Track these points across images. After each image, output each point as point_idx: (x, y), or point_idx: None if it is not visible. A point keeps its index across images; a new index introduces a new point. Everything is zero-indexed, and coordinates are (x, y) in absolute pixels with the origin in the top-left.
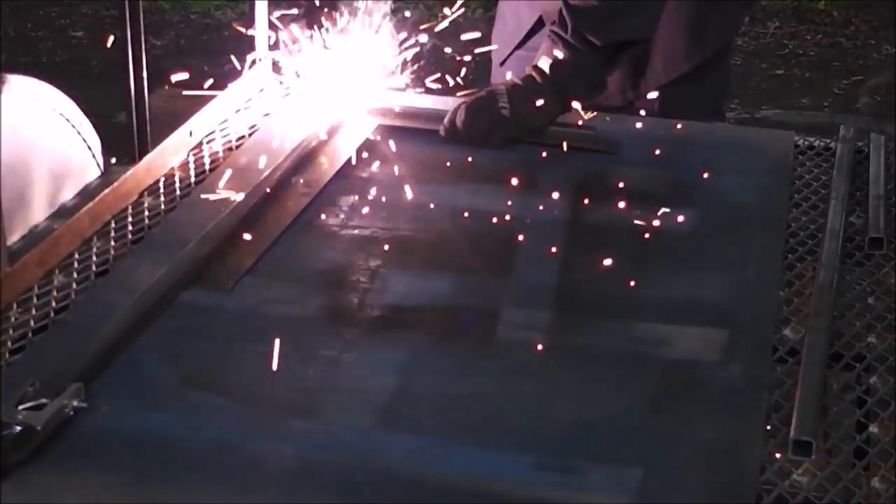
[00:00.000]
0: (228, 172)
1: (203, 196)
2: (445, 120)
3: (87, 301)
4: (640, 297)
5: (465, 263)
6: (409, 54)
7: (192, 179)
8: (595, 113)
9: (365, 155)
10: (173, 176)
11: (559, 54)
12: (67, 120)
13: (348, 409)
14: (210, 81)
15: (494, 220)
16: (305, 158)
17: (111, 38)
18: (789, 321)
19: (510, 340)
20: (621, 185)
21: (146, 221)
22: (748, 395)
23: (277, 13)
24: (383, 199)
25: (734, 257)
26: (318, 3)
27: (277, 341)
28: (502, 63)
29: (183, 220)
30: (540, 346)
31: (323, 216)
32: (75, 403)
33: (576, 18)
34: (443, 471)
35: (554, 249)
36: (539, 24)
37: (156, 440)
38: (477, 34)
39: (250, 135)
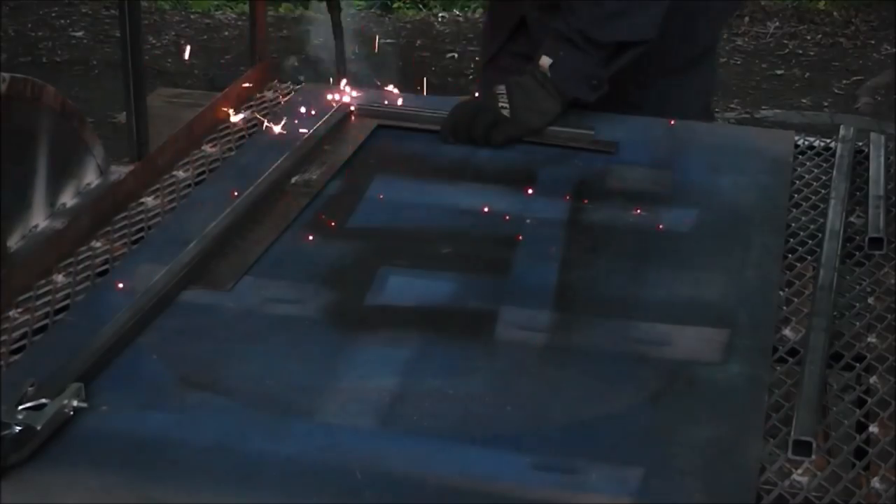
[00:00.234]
0: (228, 172)
1: (203, 196)
2: (445, 120)
3: (87, 301)
4: (640, 297)
5: (465, 263)
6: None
7: (193, 179)
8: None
9: (365, 155)
10: (173, 176)
11: (560, 53)
12: (68, 120)
13: (348, 409)
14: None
15: (494, 220)
16: (305, 158)
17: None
18: (789, 321)
19: (510, 340)
20: (621, 185)
21: (146, 221)
22: (748, 395)
23: None
24: (383, 198)
25: (734, 257)
26: None
27: (277, 341)
28: (487, 64)
29: (183, 220)
30: (540, 346)
31: (323, 216)
32: (75, 403)
33: (578, 17)
34: (443, 471)
35: (554, 249)
36: (522, 27)
37: (156, 440)
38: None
39: (250, 135)
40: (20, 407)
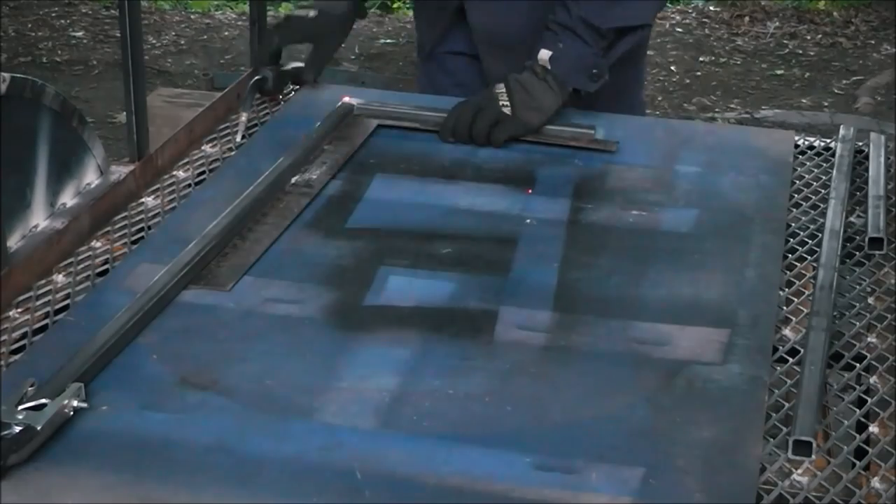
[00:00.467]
0: (228, 172)
1: (203, 196)
2: (445, 120)
3: (87, 301)
4: (640, 297)
5: (465, 263)
6: None
7: (193, 179)
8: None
9: (365, 155)
10: (173, 176)
11: (560, 45)
12: (67, 120)
13: (348, 409)
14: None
15: (494, 220)
16: (305, 158)
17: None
18: (789, 321)
19: (510, 340)
20: (621, 185)
21: (146, 221)
22: (748, 395)
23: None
24: (383, 198)
25: (734, 257)
26: None
27: (277, 341)
28: (426, 58)
29: (183, 220)
30: (540, 346)
31: (323, 216)
32: (75, 403)
33: (580, 6)
34: (443, 471)
35: (554, 249)
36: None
37: (156, 440)
38: None
39: (250, 135)
40: (20, 407)
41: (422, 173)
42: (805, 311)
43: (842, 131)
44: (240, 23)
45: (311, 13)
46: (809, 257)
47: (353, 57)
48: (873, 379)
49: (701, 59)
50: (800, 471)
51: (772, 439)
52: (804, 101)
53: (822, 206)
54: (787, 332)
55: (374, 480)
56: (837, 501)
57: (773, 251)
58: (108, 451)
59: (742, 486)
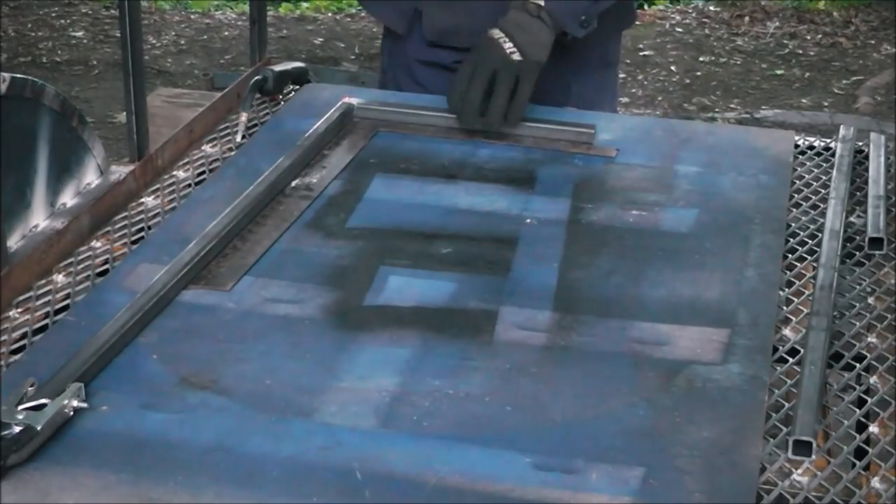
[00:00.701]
0: (228, 172)
1: (203, 196)
2: (452, 88)
3: (87, 301)
4: (640, 297)
5: (465, 263)
6: None
7: (193, 179)
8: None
9: (365, 155)
10: (173, 176)
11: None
12: (68, 120)
13: (348, 409)
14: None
15: (494, 220)
16: (306, 158)
17: None
18: (789, 321)
19: (510, 340)
20: (621, 185)
21: (146, 221)
22: (748, 395)
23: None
24: (383, 198)
25: (734, 257)
26: None
27: (277, 341)
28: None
29: (183, 220)
30: (540, 346)
31: (323, 216)
32: (75, 403)
33: None
34: (443, 471)
35: (554, 249)
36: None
37: (156, 440)
38: None
39: (250, 135)
40: (20, 407)
41: (422, 173)
42: (805, 311)
43: (842, 131)
44: (240, 23)
45: None
46: (809, 257)
47: (352, 57)
48: (873, 379)
49: (701, 59)
50: (800, 471)
51: (772, 439)
52: (804, 101)
53: (822, 206)
54: (787, 332)
55: (374, 480)
56: (837, 501)
57: (773, 251)
58: (108, 451)
59: (742, 486)
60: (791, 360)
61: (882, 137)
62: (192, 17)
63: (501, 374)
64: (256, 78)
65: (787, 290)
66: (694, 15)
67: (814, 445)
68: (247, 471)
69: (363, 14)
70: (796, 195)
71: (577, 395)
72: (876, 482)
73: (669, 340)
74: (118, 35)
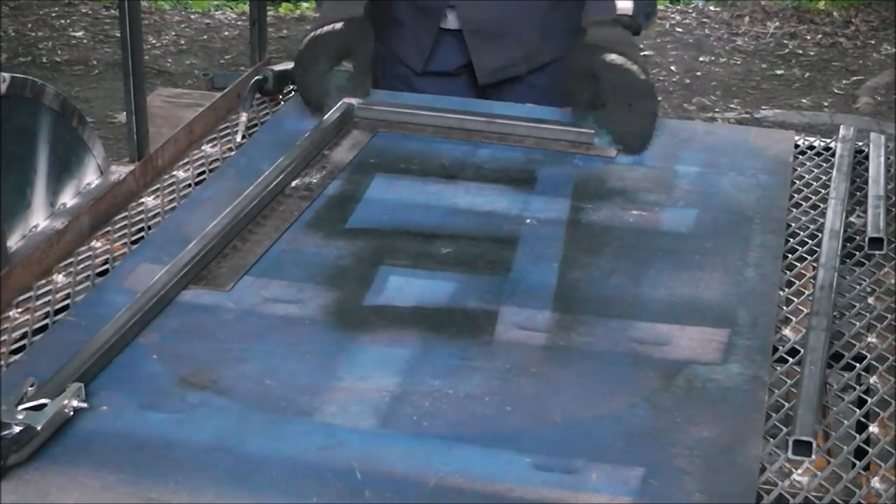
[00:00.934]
0: (228, 172)
1: (203, 196)
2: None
3: (87, 301)
4: (640, 297)
5: (465, 263)
6: None
7: (193, 179)
8: None
9: (365, 155)
10: (173, 176)
11: None
12: (68, 120)
13: (348, 409)
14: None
15: (494, 220)
16: (306, 159)
17: None
18: (789, 321)
19: (510, 340)
20: (621, 185)
21: (146, 221)
22: (748, 395)
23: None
24: (383, 198)
25: (734, 257)
26: None
27: (277, 341)
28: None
29: (183, 220)
30: (540, 346)
31: (323, 216)
32: (75, 403)
33: None
34: (443, 471)
35: (554, 249)
36: None
37: (156, 440)
38: None
39: (250, 135)
40: (20, 407)
41: (422, 173)
42: (805, 311)
43: (842, 131)
44: (240, 23)
45: (337, 25)
46: (809, 257)
47: None
48: (873, 379)
49: (701, 59)
50: (800, 471)
51: (772, 439)
52: (804, 101)
53: (822, 206)
54: (787, 332)
55: (374, 480)
56: (837, 501)
57: (773, 251)
58: (108, 451)
59: (742, 486)
60: (791, 360)
61: (882, 137)
62: (192, 17)
63: (501, 374)
64: (256, 78)
65: (787, 290)
66: (694, 15)
67: (814, 445)
68: (247, 471)
69: None
70: (796, 195)
71: (577, 395)
72: (876, 482)
73: (669, 340)
74: (118, 35)
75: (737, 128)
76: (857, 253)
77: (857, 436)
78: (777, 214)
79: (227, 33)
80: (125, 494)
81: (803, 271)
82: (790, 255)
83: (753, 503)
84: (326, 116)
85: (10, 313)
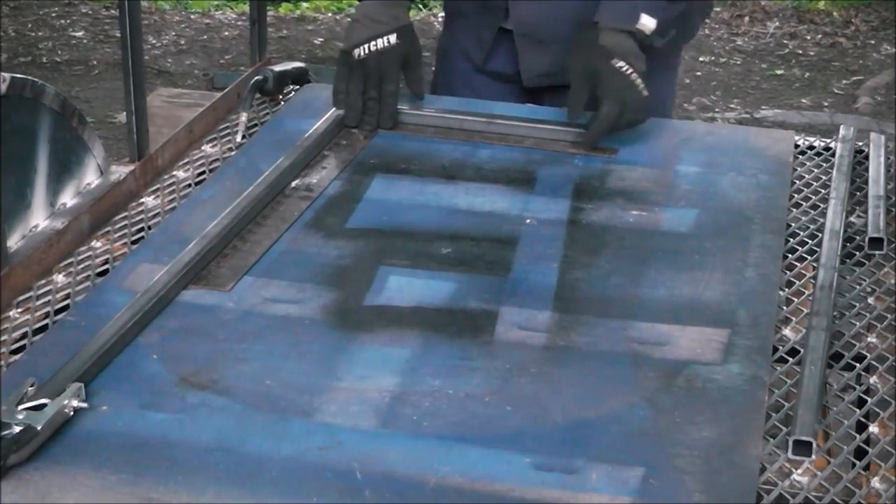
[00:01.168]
0: (228, 172)
1: (203, 196)
2: (593, 130)
3: (87, 301)
4: (640, 297)
5: (465, 263)
6: None
7: (193, 179)
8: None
9: (365, 155)
10: (173, 176)
11: (663, 5)
12: (68, 120)
13: (348, 409)
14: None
15: (494, 220)
16: (305, 158)
17: None
18: (789, 321)
19: (510, 340)
20: (621, 185)
21: (146, 221)
22: (748, 395)
23: None
24: (383, 198)
25: (734, 257)
26: None
27: (277, 341)
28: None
29: (183, 220)
30: (540, 346)
31: (323, 216)
32: (75, 403)
33: None
34: (443, 471)
35: (554, 249)
36: None
37: (156, 440)
38: None
39: (250, 135)
40: (20, 407)
41: (422, 173)
42: (805, 311)
43: (842, 131)
44: (240, 23)
45: (392, 38)
46: (809, 257)
47: None
48: (873, 379)
49: (701, 59)
50: (800, 471)
51: (772, 439)
52: (804, 101)
53: (822, 206)
54: (787, 332)
55: (374, 480)
56: (837, 501)
57: (773, 251)
58: (108, 451)
59: (742, 486)
60: (791, 360)
61: (882, 137)
62: (192, 17)
63: (501, 374)
64: (256, 78)
65: (787, 290)
66: None
67: (814, 445)
68: (247, 471)
69: None
70: (796, 195)
71: (577, 395)
72: (876, 482)
73: (669, 340)
74: (118, 35)
75: (737, 128)
76: (857, 253)
77: (857, 436)
78: (777, 214)
79: (227, 33)
80: (125, 494)
81: (803, 271)
82: (790, 255)
83: (753, 503)
84: (326, 116)
85: (10, 313)
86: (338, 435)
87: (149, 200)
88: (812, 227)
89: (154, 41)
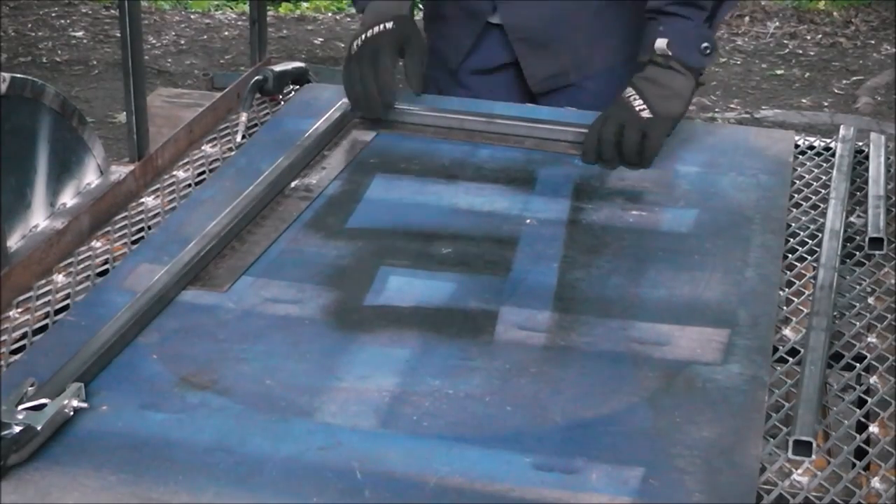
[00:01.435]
0: (228, 172)
1: (203, 196)
2: (586, 142)
3: (87, 301)
4: (640, 297)
5: (465, 263)
6: None
7: (193, 179)
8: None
9: (365, 155)
10: (173, 176)
11: (667, 28)
12: (68, 120)
13: (348, 409)
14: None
15: (494, 220)
16: (305, 158)
17: None
18: (789, 321)
19: (510, 340)
20: (621, 185)
21: (146, 221)
22: (748, 395)
23: None
24: (383, 198)
25: (734, 257)
26: None
27: (277, 341)
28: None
29: (183, 220)
30: (540, 346)
31: (323, 216)
32: (75, 403)
33: None
34: (443, 471)
35: (554, 249)
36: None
37: (156, 440)
38: None
39: (250, 135)
40: (20, 407)
41: (422, 173)
42: (805, 311)
43: (842, 131)
44: (240, 23)
45: (388, 24)
46: (809, 257)
47: None
48: (873, 379)
49: None
50: (800, 471)
51: (772, 439)
52: (804, 101)
53: (822, 206)
54: (787, 332)
55: (374, 480)
56: (837, 501)
57: (773, 251)
58: (108, 451)
59: (742, 486)
60: (791, 360)
61: (882, 137)
62: (192, 17)
63: (501, 374)
64: (256, 78)
65: (787, 290)
66: None
67: (814, 445)
68: (247, 471)
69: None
70: (796, 195)
71: (577, 395)
72: (876, 482)
73: (669, 340)
74: (118, 35)
75: (737, 128)
76: (857, 253)
77: (857, 436)
78: (777, 214)
79: (227, 33)
80: (125, 494)
81: (803, 271)
82: (790, 255)
83: (753, 503)
84: (326, 116)
85: (10, 313)
86: (338, 435)
87: (149, 200)
88: (812, 227)
89: (154, 41)
